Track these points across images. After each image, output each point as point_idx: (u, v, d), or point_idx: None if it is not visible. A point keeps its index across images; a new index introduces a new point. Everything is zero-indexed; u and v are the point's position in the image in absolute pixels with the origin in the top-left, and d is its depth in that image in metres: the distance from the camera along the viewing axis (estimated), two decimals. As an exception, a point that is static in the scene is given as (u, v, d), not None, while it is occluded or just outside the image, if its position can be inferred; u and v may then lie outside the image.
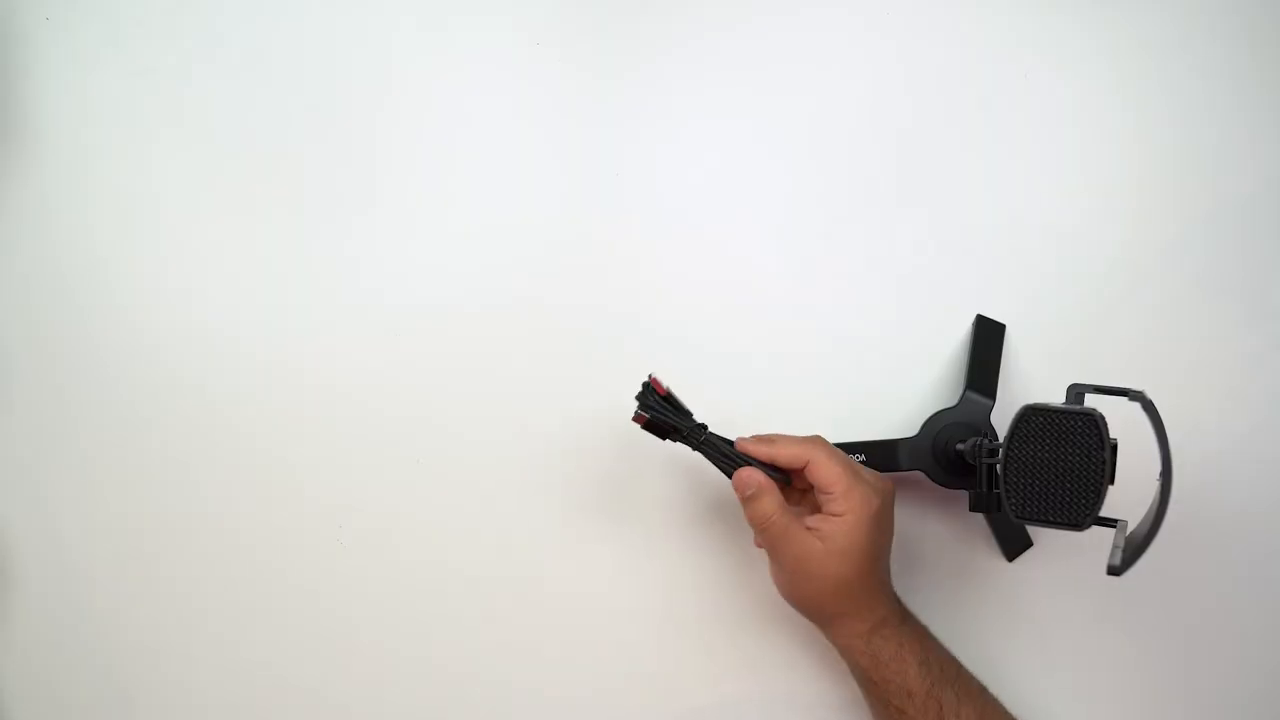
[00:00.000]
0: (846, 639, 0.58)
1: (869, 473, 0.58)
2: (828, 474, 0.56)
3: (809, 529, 0.56)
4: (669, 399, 0.58)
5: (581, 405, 0.66)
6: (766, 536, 0.57)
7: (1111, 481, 0.49)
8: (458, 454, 0.66)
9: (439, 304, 0.67)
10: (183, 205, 0.68)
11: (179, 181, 0.68)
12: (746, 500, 0.57)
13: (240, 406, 0.67)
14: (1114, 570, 0.48)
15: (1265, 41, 0.67)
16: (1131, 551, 0.48)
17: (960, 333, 0.66)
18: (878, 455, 0.63)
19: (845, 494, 0.55)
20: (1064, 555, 0.64)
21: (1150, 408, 0.49)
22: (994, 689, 0.59)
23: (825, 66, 0.68)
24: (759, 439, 0.58)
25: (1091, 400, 0.50)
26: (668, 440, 0.58)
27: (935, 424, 0.62)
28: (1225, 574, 0.64)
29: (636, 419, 0.57)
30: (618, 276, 0.67)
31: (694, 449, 0.58)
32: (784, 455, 0.57)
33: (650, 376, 0.57)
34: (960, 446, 0.59)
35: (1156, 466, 0.49)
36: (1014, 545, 0.64)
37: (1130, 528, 0.50)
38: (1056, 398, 0.51)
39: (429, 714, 0.65)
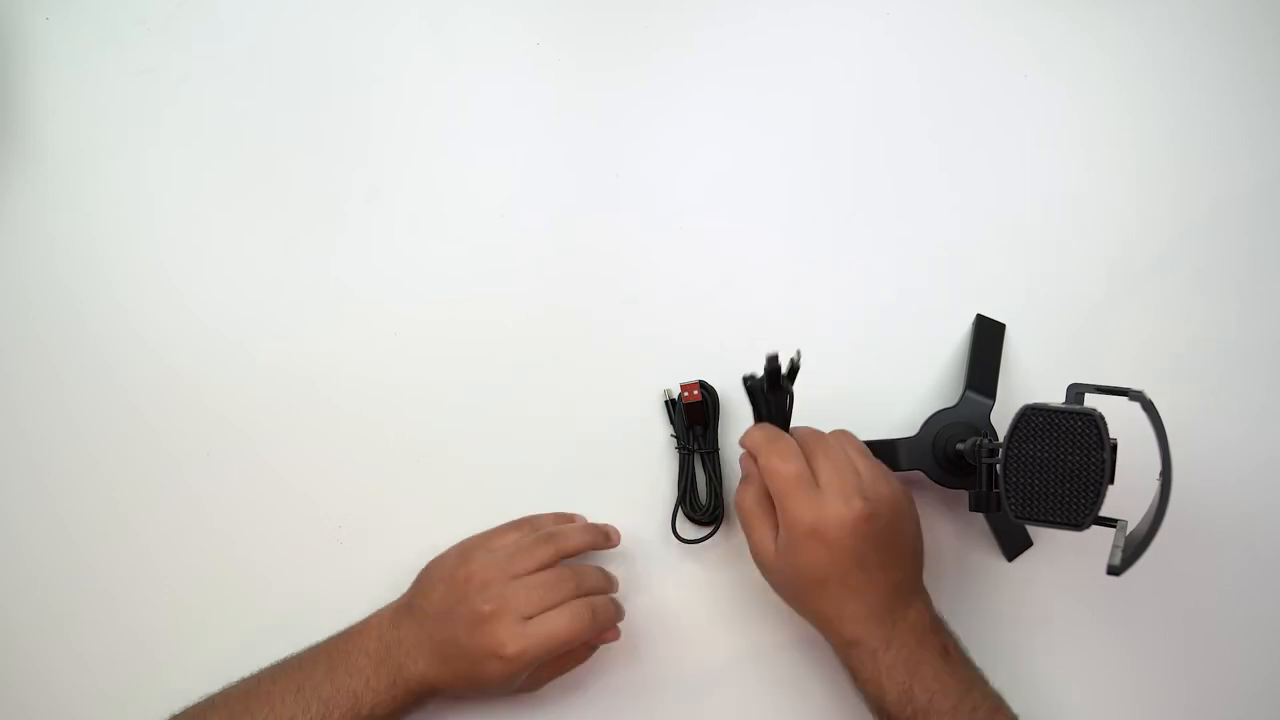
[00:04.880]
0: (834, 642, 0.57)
1: (842, 484, 0.54)
2: (770, 485, 0.56)
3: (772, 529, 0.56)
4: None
5: (582, 404, 0.66)
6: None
7: (1111, 481, 0.49)
8: (458, 453, 0.66)
9: (439, 304, 0.67)
10: (183, 205, 0.68)
11: (179, 181, 0.68)
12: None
13: (240, 406, 0.67)
14: (1114, 570, 0.48)
15: (1265, 41, 0.67)
16: (1131, 551, 0.48)
17: (960, 333, 0.66)
18: (878, 455, 0.63)
19: (781, 508, 0.55)
20: (1064, 555, 0.64)
21: (1150, 408, 0.49)
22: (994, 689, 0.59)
23: (826, 66, 0.68)
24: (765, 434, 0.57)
25: (1091, 400, 0.50)
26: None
27: (935, 424, 0.62)
28: (1225, 574, 0.64)
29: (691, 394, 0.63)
30: (617, 277, 0.67)
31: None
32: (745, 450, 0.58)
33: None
34: (960, 446, 0.59)
35: (1156, 466, 0.49)
36: (1014, 545, 0.64)
37: (1130, 527, 0.50)
38: (1056, 398, 0.51)
39: (428, 712, 0.65)
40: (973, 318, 0.66)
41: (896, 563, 0.56)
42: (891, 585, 0.55)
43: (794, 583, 0.56)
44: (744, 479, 0.58)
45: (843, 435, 0.59)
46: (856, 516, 0.53)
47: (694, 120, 0.68)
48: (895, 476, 0.58)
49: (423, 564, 0.62)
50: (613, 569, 0.64)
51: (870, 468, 0.56)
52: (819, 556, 0.54)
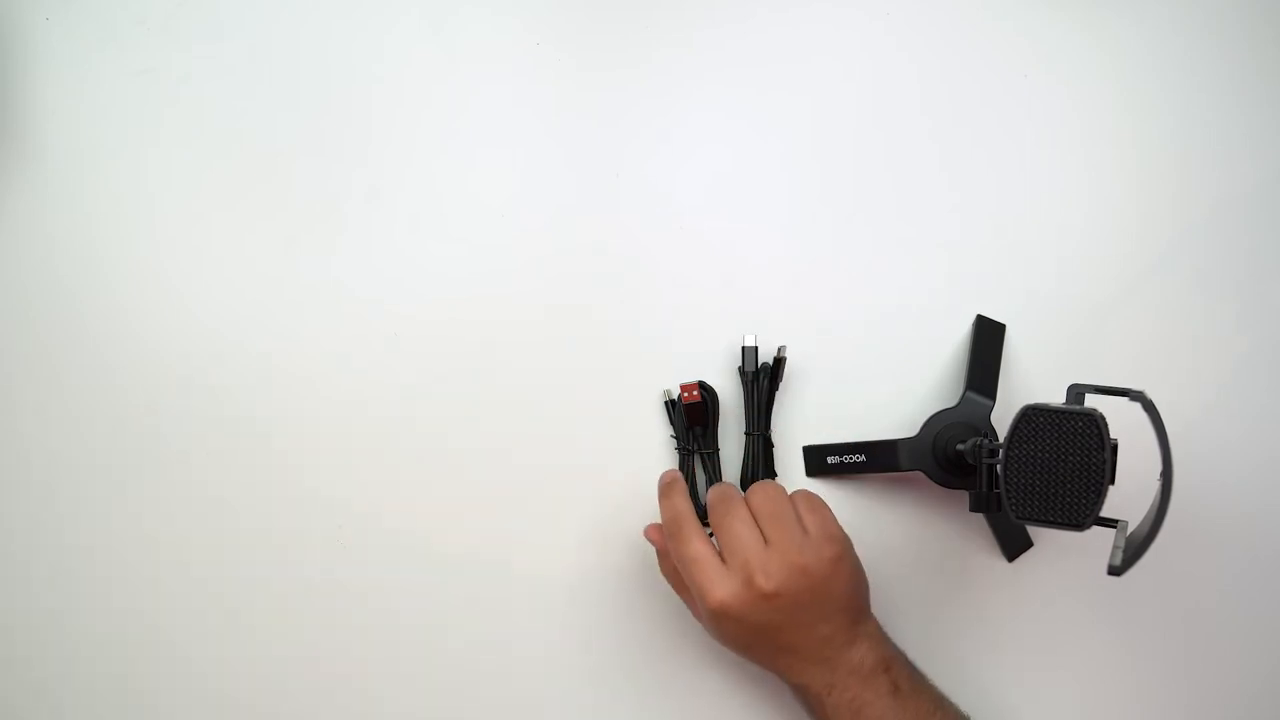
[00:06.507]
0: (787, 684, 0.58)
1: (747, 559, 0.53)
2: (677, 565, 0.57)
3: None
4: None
5: (581, 404, 0.66)
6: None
7: (1112, 482, 0.49)
8: (458, 452, 0.66)
9: (439, 304, 0.67)
10: (183, 205, 0.68)
11: (179, 181, 0.68)
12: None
13: (240, 406, 0.67)
14: (1115, 570, 0.48)
15: (1265, 41, 0.67)
16: (1132, 552, 0.48)
17: (960, 333, 0.66)
18: (878, 455, 0.63)
19: (688, 586, 0.56)
20: (1064, 555, 0.64)
21: (1150, 408, 0.49)
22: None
23: (826, 66, 0.68)
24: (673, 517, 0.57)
25: (1091, 400, 0.50)
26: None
27: (935, 424, 0.62)
28: (1225, 574, 0.64)
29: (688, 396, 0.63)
30: (617, 277, 0.67)
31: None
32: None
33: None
34: (960, 446, 0.59)
35: (1157, 467, 0.49)
36: (1014, 545, 0.64)
37: (1131, 528, 0.50)
38: (1056, 398, 0.51)
39: (429, 712, 0.65)
40: (973, 318, 0.66)
41: (823, 618, 0.54)
42: (821, 638, 0.55)
43: (725, 644, 0.57)
44: (659, 551, 0.60)
45: (762, 493, 0.56)
46: (757, 596, 0.53)
47: (694, 120, 0.68)
48: (823, 533, 0.55)
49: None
50: (612, 568, 0.64)
51: (784, 536, 0.53)
52: (731, 629, 0.55)
